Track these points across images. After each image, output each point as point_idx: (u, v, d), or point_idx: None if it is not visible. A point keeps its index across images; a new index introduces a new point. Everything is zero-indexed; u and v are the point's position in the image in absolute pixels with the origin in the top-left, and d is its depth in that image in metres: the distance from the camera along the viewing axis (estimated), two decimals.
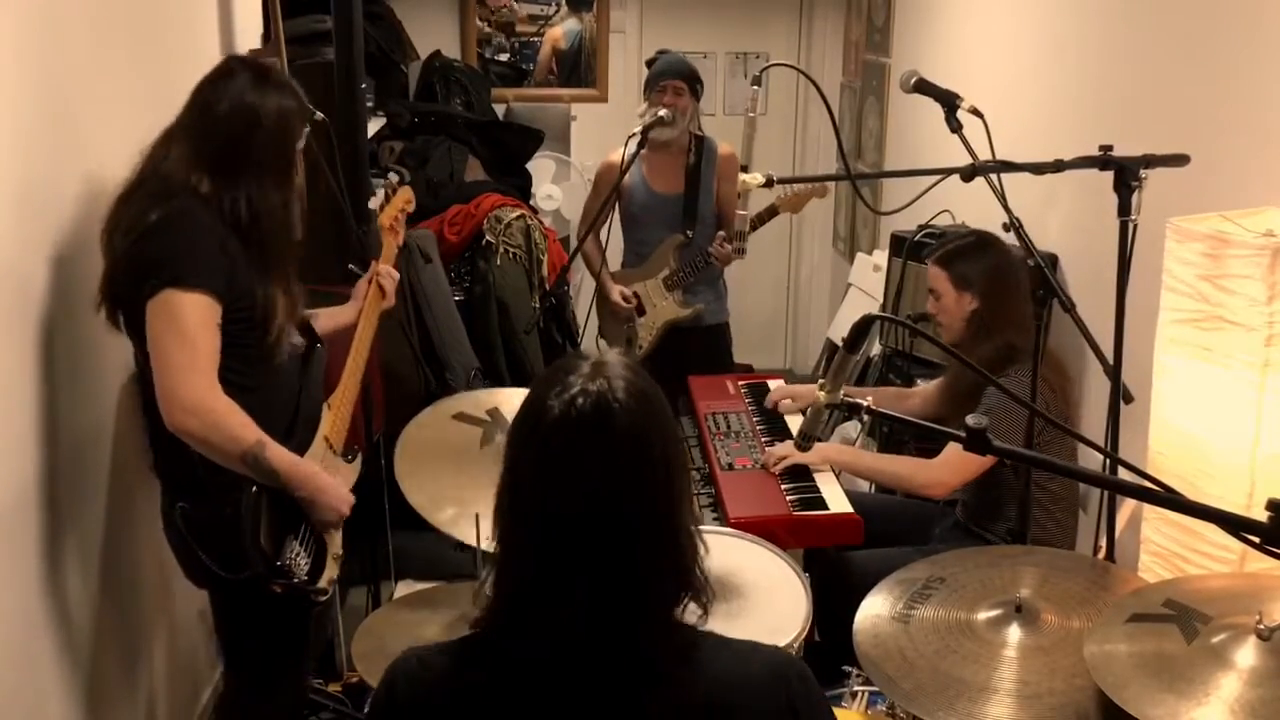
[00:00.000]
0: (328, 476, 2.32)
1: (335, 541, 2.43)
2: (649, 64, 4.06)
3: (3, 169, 1.98)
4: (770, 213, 3.95)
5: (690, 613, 1.32)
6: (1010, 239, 2.58)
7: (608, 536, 1.24)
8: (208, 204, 2.15)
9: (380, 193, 2.97)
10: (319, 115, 2.47)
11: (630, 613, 1.25)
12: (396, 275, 2.75)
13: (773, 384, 3.63)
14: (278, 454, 2.16)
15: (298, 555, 2.25)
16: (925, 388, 3.33)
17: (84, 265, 2.27)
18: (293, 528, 2.27)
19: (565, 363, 1.31)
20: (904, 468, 3.00)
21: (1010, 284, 2.91)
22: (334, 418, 2.48)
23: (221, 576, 2.21)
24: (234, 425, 2.09)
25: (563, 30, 6.08)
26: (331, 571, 2.38)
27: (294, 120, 2.21)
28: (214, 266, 2.11)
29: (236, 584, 2.21)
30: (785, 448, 3.08)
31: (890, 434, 3.69)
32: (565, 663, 1.26)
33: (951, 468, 2.87)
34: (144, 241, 2.08)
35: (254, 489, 2.15)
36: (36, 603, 2.14)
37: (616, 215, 4.09)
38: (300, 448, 2.31)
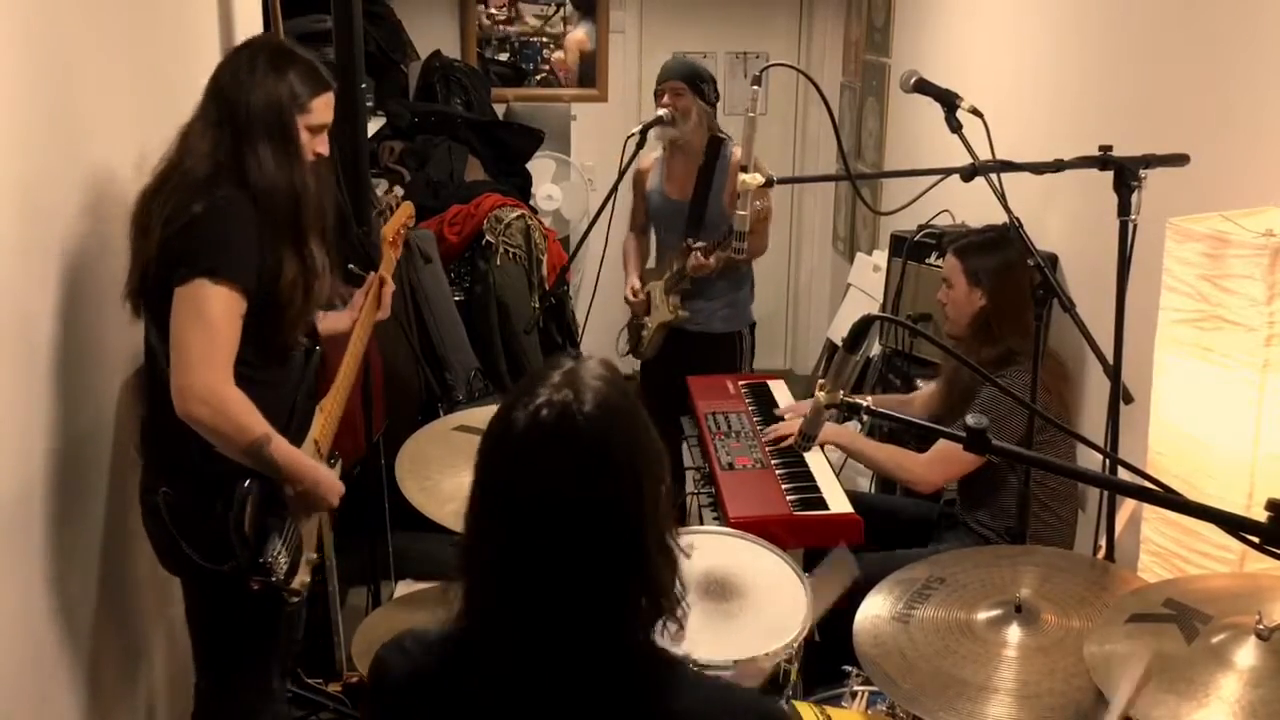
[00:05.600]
0: (323, 470, 2.35)
1: (310, 545, 2.43)
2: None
3: (3, 167, 1.98)
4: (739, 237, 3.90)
5: (670, 628, 1.29)
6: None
7: (571, 550, 1.22)
8: (244, 188, 2.17)
9: (384, 204, 2.99)
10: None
11: (596, 630, 1.23)
12: (393, 287, 2.78)
13: (773, 384, 3.63)
14: (280, 447, 2.19)
15: (279, 554, 2.26)
16: (922, 392, 3.33)
17: (85, 263, 2.27)
18: (277, 526, 2.28)
19: (541, 370, 1.29)
20: (892, 459, 3.01)
21: (1020, 287, 2.91)
22: (324, 421, 2.49)
23: (199, 566, 2.22)
24: (243, 416, 2.12)
25: (585, 32, 6.07)
26: (304, 575, 2.39)
27: (284, 100, 2.21)
28: (248, 261, 2.14)
29: (213, 575, 2.22)
30: (786, 426, 3.10)
31: (890, 435, 3.69)
32: (531, 681, 1.24)
33: (935, 466, 2.89)
34: (186, 231, 2.11)
35: (246, 483, 2.17)
36: (37, 601, 2.14)
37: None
38: (293, 444, 2.32)
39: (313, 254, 2.26)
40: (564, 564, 1.22)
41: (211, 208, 2.12)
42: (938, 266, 3.33)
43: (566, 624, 1.23)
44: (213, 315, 2.09)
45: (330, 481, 2.34)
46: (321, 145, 2.32)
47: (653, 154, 3.76)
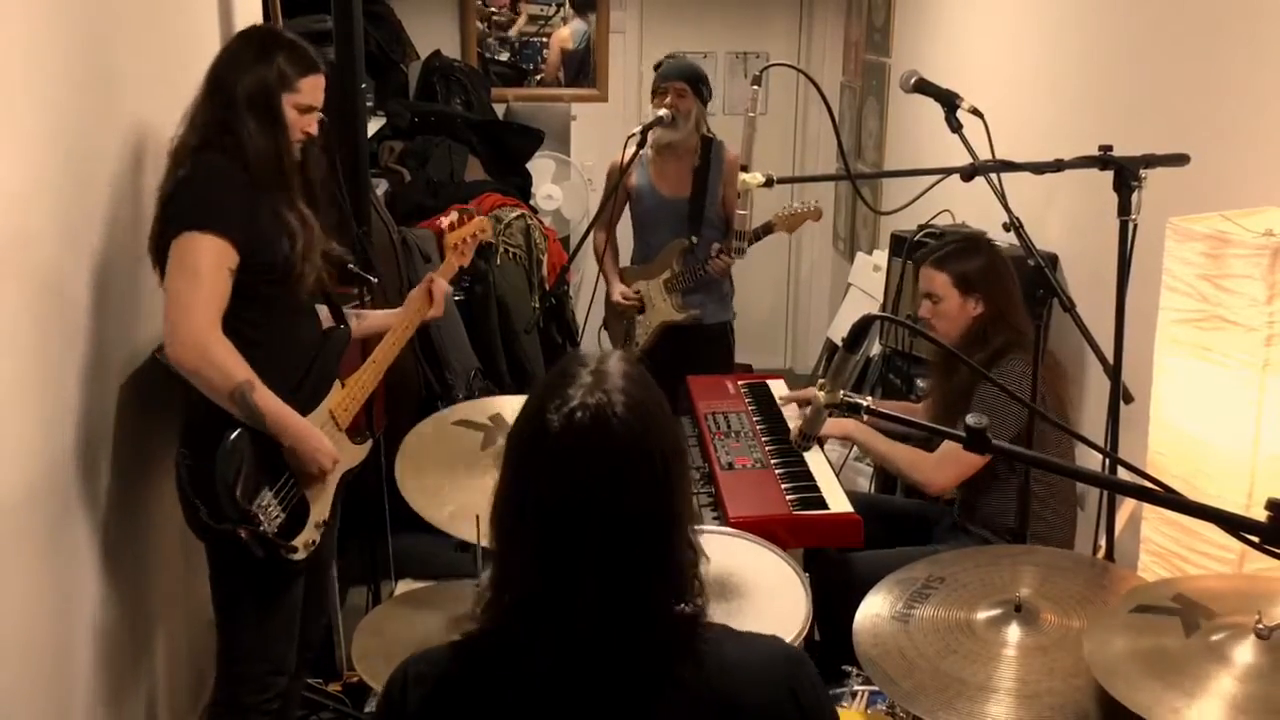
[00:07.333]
0: (312, 428, 2.40)
1: (321, 508, 2.47)
2: (656, 68, 4.06)
3: (24, 167, 2.01)
4: (766, 229, 3.91)
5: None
6: (1010, 239, 2.58)
7: (610, 545, 1.24)
8: (228, 152, 2.30)
9: (454, 214, 3.08)
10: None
11: (633, 616, 1.26)
12: (449, 288, 2.86)
13: (773, 384, 3.63)
14: (265, 397, 2.27)
15: (269, 506, 2.32)
16: (918, 405, 3.32)
17: (98, 253, 2.33)
18: (270, 480, 2.34)
19: (566, 368, 1.31)
20: (905, 459, 2.99)
21: (1009, 284, 2.92)
22: (345, 395, 2.55)
23: (212, 528, 2.30)
24: (226, 361, 2.23)
25: (570, 31, 6.08)
26: (310, 535, 2.44)
27: (270, 78, 2.36)
28: (232, 214, 2.27)
29: (224, 537, 2.30)
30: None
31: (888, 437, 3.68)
32: (572, 668, 1.26)
33: (944, 466, 2.88)
34: (174, 194, 2.28)
35: (233, 434, 2.24)
36: (47, 593, 2.15)
37: (628, 211, 4.15)
38: (300, 410, 2.38)
39: (302, 212, 2.40)
40: (602, 557, 1.24)
41: (194, 170, 2.27)
42: None
43: (604, 614, 1.25)
44: (198, 265, 2.22)
45: (318, 441, 2.39)
46: (310, 125, 2.44)
47: (629, 150, 3.75)
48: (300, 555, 2.40)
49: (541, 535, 1.26)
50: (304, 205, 2.41)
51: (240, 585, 2.43)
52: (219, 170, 2.28)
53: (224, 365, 2.22)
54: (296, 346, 2.45)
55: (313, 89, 2.42)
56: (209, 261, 2.23)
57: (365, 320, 2.75)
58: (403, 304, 2.81)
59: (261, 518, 2.30)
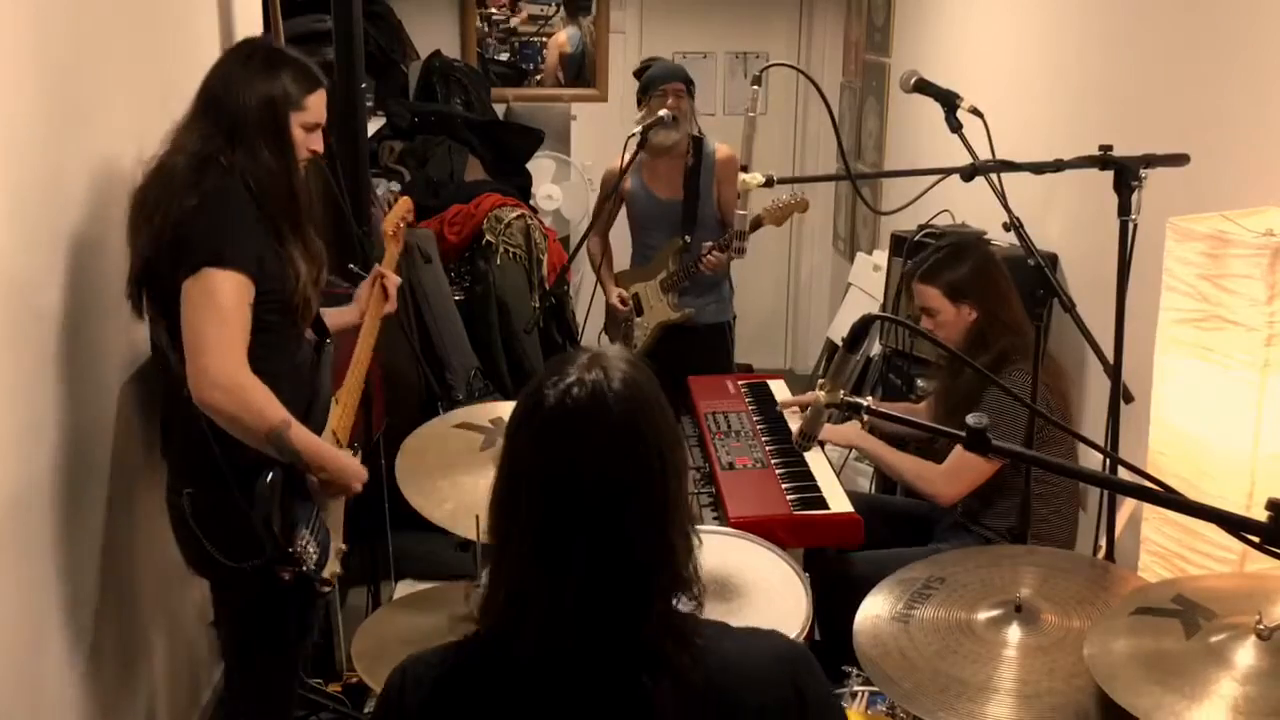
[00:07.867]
0: (342, 454, 2.37)
1: (339, 535, 2.46)
2: (637, 74, 4.08)
3: (6, 167, 1.99)
4: (755, 224, 3.92)
5: (685, 606, 1.32)
6: (1010, 239, 2.58)
7: (602, 525, 1.24)
8: (234, 177, 2.20)
9: (383, 200, 3.03)
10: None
11: (626, 603, 1.25)
12: (398, 280, 2.80)
13: (773, 384, 3.63)
14: (301, 434, 2.20)
15: (307, 544, 2.27)
16: (920, 406, 3.32)
17: (88, 262, 2.28)
18: (304, 516, 2.29)
19: (565, 355, 1.32)
20: (913, 470, 2.99)
21: (1001, 284, 2.92)
22: (341, 411, 2.52)
23: (224, 565, 2.23)
24: (262, 402, 2.13)
25: (567, 36, 6.09)
26: (334, 565, 2.41)
27: (277, 99, 2.26)
28: (248, 246, 2.17)
29: (238, 573, 2.23)
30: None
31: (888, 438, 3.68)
32: (566, 655, 1.26)
33: (953, 478, 2.87)
34: (185, 225, 2.14)
35: (269, 475, 2.17)
36: (38, 602, 2.14)
37: (625, 215, 4.16)
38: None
39: (314, 242, 2.32)
40: (594, 538, 1.24)
41: (204, 199, 2.15)
42: None
43: (596, 599, 1.24)
44: (224, 302, 2.12)
45: (353, 467, 2.36)
46: (316, 143, 2.36)
47: (629, 150, 3.75)
48: (330, 588, 2.37)
49: (535, 516, 1.25)
50: (312, 232, 2.32)
51: (263, 620, 2.37)
52: (229, 199, 2.17)
53: (260, 405, 2.12)
54: (300, 372, 2.38)
55: (319, 105, 2.33)
56: (234, 299, 2.12)
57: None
58: (378, 296, 2.74)
59: (304, 557, 2.24)
